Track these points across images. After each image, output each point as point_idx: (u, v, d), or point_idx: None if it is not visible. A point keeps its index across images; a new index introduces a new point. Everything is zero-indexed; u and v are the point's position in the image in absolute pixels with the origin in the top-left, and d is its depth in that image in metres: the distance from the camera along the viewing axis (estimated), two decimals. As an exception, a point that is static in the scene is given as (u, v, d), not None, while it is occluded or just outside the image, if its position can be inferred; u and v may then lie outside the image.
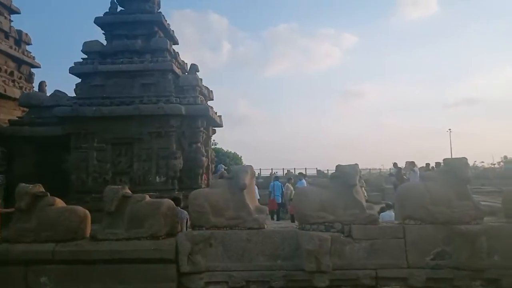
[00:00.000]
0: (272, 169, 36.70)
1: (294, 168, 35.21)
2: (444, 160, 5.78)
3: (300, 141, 79.58)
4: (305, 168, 37.36)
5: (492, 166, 39.17)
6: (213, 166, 14.48)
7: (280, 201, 13.69)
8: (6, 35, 15.29)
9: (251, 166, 5.80)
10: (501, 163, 39.52)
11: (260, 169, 39.51)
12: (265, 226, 5.49)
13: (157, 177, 11.56)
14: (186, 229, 6.59)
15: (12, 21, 16.04)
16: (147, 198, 5.63)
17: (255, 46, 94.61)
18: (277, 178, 15.77)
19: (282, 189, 14.03)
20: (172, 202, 5.81)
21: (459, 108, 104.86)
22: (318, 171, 26.12)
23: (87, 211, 5.57)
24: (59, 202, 5.59)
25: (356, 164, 5.43)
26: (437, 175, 5.74)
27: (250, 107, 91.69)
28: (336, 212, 5.26)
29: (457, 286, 5.02)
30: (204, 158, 12.08)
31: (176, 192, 10.95)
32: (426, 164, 16.61)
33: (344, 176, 5.31)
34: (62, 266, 5.11)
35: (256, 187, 7.50)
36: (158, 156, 11.60)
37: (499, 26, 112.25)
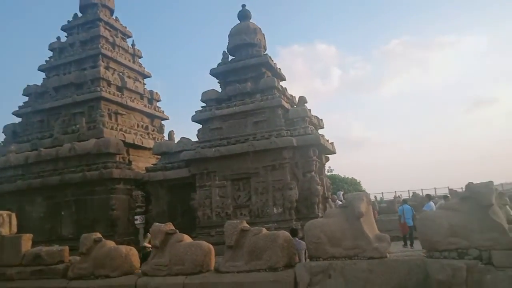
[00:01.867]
0: (395, 192, 34.27)
1: (421, 189, 32.35)
2: None
3: (425, 159, 72.52)
4: (434, 188, 34.04)
5: None
6: (329, 193, 14.23)
7: (411, 224, 12.92)
8: (141, 96, 18.09)
9: (366, 193, 5.60)
10: None
11: (382, 193, 37.33)
12: (387, 256, 5.09)
13: (274, 209, 11.86)
14: (305, 260, 6.52)
15: (145, 84, 18.93)
16: (264, 231, 5.78)
17: (367, 67, 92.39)
18: (405, 201, 15.11)
19: (412, 212, 13.45)
20: (288, 234, 5.87)
21: None
22: (451, 190, 23.32)
23: (210, 246, 5.96)
24: (187, 238, 6.12)
25: (490, 181, 4.73)
26: None
27: (365, 129, 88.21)
28: (470, 237, 4.59)
29: None
30: (319, 187, 12.00)
31: (294, 223, 11.00)
32: None
33: (477, 196, 4.65)
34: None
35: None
36: (274, 188, 11.96)
37: None
